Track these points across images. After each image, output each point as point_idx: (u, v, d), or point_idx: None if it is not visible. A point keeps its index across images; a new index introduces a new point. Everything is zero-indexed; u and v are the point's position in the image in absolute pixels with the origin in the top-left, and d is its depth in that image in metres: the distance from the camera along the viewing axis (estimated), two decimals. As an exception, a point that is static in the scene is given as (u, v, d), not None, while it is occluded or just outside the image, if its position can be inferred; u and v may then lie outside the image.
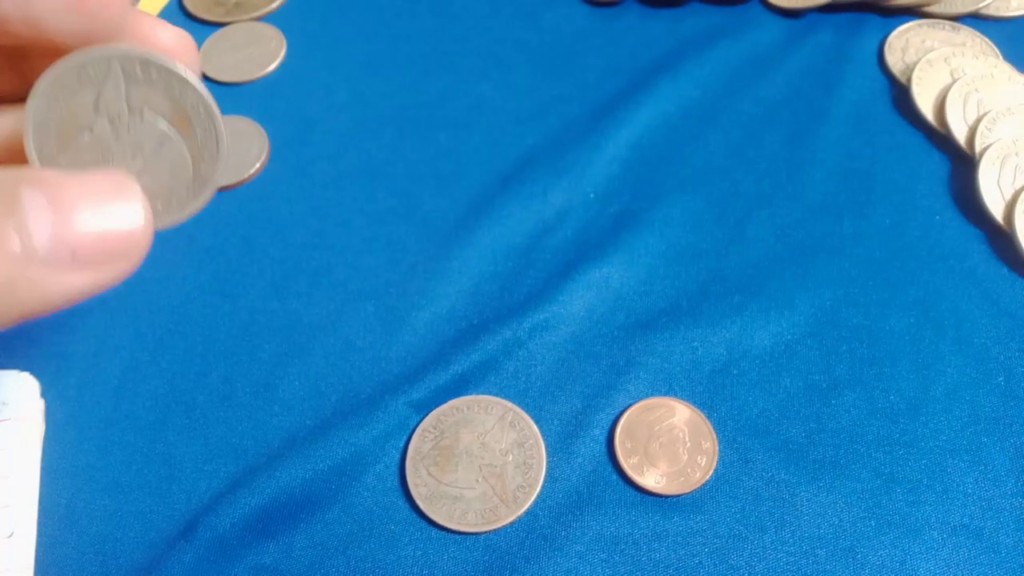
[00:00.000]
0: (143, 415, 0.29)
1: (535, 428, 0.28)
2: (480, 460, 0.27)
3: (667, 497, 0.27)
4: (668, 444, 0.27)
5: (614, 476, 0.27)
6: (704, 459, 0.27)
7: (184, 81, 0.17)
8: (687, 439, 0.27)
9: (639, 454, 0.27)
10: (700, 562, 0.26)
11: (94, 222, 0.15)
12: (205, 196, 0.17)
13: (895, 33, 0.38)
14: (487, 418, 0.28)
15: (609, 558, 0.26)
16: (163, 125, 0.17)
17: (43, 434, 0.28)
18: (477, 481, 0.27)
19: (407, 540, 0.26)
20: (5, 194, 0.14)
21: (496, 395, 0.29)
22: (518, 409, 0.28)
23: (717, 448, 0.27)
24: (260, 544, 0.26)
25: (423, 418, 0.28)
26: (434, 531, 0.26)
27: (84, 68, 0.16)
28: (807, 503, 0.27)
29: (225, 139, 0.17)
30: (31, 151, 0.17)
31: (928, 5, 0.38)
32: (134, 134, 0.17)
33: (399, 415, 0.28)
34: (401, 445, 0.28)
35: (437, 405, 0.28)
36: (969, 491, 0.27)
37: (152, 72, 0.16)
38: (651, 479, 0.27)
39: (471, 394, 0.29)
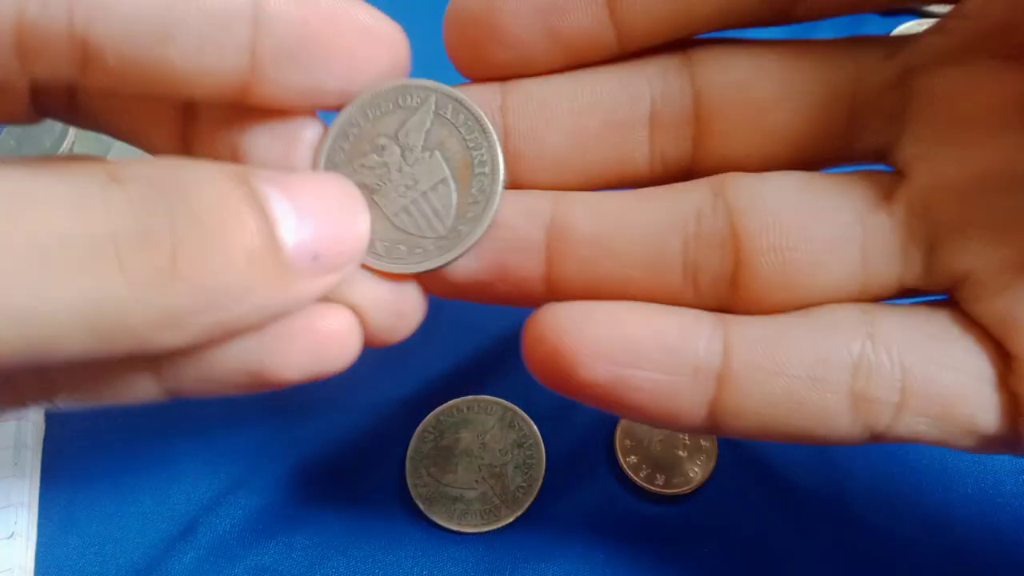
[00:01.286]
0: (143, 415, 0.29)
1: (535, 428, 0.28)
2: (480, 460, 0.27)
3: (667, 497, 0.27)
4: (668, 444, 0.27)
5: (614, 476, 0.27)
6: (704, 459, 0.27)
7: (485, 134, 0.16)
8: (687, 439, 0.27)
9: (639, 454, 0.27)
10: (700, 562, 0.26)
11: (332, 226, 0.14)
12: (450, 256, 0.16)
13: (895, 33, 0.37)
14: (487, 418, 0.28)
15: (609, 558, 0.26)
16: (446, 171, 0.17)
17: (43, 434, 0.28)
18: (477, 481, 0.27)
19: (407, 540, 0.26)
20: (247, 194, 0.13)
21: (496, 395, 0.29)
22: (518, 409, 0.28)
23: (717, 448, 0.27)
24: (260, 544, 0.26)
25: (423, 418, 0.28)
26: (434, 531, 0.26)
27: (406, 92, 0.17)
28: (807, 502, 0.27)
29: (495, 206, 0.16)
30: (323, 152, 0.16)
31: (928, 4, 0.38)
32: (417, 169, 0.16)
33: (399, 415, 0.28)
34: (401, 445, 0.28)
35: (437, 405, 0.28)
36: (969, 491, 0.27)
37: (460, 115, 0.17)
38: (651, 479, 0.27)
39: (471, 394, 0.29)
